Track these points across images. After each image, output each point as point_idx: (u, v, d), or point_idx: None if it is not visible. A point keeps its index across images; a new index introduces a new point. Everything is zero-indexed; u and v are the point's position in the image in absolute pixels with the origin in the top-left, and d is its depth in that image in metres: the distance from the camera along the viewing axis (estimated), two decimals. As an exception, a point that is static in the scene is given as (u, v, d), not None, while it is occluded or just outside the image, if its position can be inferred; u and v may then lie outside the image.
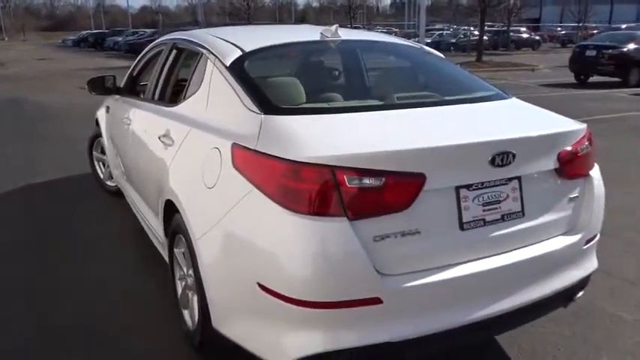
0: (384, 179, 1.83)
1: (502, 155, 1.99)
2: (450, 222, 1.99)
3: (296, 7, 66.63)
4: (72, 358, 2.59)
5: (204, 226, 2.20)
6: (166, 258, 2.98)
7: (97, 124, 4.92)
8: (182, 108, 2.78)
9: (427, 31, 36.70)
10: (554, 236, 2.26)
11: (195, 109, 2.60)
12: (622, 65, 14.43)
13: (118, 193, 4.71)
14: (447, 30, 37.00)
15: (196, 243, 2.25)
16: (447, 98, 2.51)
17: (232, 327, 2.15)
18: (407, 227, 1.90)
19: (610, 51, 14.63)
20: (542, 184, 2.21)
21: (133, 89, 4.12)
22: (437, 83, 2.84)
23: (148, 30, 36.89)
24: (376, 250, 1.85)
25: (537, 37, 38.55)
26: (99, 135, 4.91)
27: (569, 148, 2.23)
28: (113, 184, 4.84)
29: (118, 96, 4.19)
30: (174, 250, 2.70)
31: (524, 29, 38.84)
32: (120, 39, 36.14)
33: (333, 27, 2.84)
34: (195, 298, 2.46)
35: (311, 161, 1.81)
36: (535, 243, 2.18)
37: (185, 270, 2.59)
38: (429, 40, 31.81)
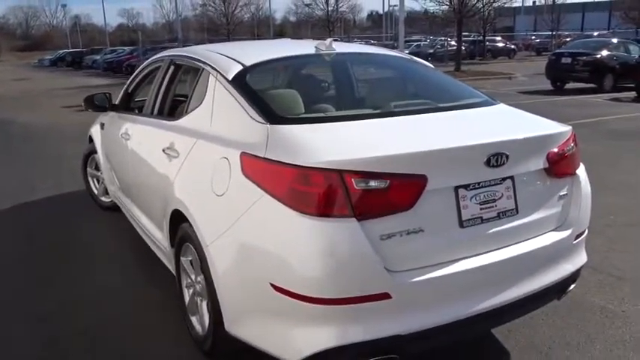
0: (388, 181, 1.95)
1: (497, 156, 2.13)
2: (450, 220, 2.12)
3: (274, 21, 67.04)
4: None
5: (215, 233, 2.29)
6: (171, 268, 3.06)
7: (91, 140, 4.97)
8: (186, 121, 2.87)
9: (405, 42, 37.30)
10: (546, 232, 2.40)
11: (200, 122, 2.70)
12: (596, 71, 14.89)
13: (112, 209, 4.77)
14: (425, 41, 37.58)
15: (207, 249, 2.34)
16: (440, 105, 2.65)
17: (245, 328, 2.24)
18: (411, 226, 2.02)
19: (584, 58, 15.10)
20: (534, 183, 2.35)
21: (129, 105, 4.19)
22: (430, 91, 2.99)
23: (126, 48, 36.84)
24: (383, 248, 1.97)
25: (513, 46, 39.37)
26: (93, 151, 4.96)
27: (556, 149, 2.38)
28: (108, 200, 4.89)
29: (113, 112, 4.26)
30: (181, 258, 2.78)
31: (499, 38, 39.63)
32: (98, 57, 36.03)
33: (328, 41, 2.97)
34: (205, 304, 2.55)
35: (320, 166, 1.93)
36: (529, 239, 2.32)
37: (193, 277, 2.67)
38: (407, 51, 32.30)
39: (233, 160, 2.25)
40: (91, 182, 5.17)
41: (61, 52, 47.87)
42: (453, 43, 26.75)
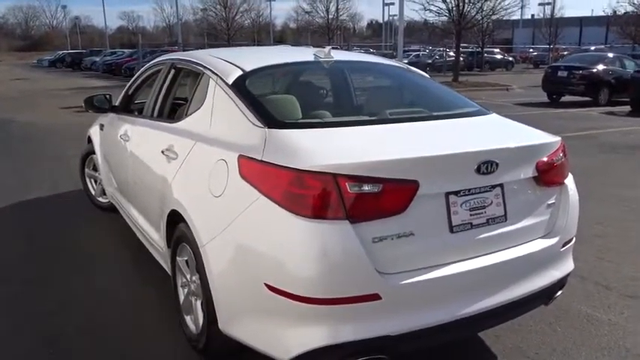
0: (381, 185, 2.01)
1: (487, 164, 2.20)
2: (441, 225, 2.18)
3: (274, 27, 67.33)
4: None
5: (211, 233, 2.35)
6: (166, 267, 3.11)
7: (90, 141, 5.02)
8: (185, 124, 2.93)
9: (404, 52, 37.53)
10: (534, 239, 2.46)
11: (199, 125, 2.76)
12: (592, 85, 15.04)
13: (109, 209, 4.81)
14: (424, 51, 37.83)
15: (203, 249, 2.39)
16: (435, 113, 2.73)
17: (239, 327, 2.29)
18: (402, 230, 2.08)
19: (581, 72, 15.25)
20: (523, 191, 2.42)
21: (129, 107, 4.25)
22: (425, 100, 3.06)
23: (126, 50, 36.94)
24: (375, 250, 2.03)
25: (510, 58, 39.71)
26: (91, 152, 5.01)
27: (545, 159, 2.45)
28: (105, 200, 4.93)
29: (112, 114, 4.32)
30: (177, 258, 2.83)
31: (497, 50, 39.94)
32: (97, 59, 36.09)
33: (327, 48, 3.04)
34: (199, 304, 2.60)
35: (315, 169, 1.99)
36: (517, 245, 2.39)
37: (188, 277, 2.72)
38: (405, 61, 32.50)
39: (231, 163, 2.31)
40: (89, 183, 5.22)
41: (61, 52, 47.91)
42: (452, 53, 26.95)
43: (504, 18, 27.13)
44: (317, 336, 2.03)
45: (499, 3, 22.73)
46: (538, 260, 2.45)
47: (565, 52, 35.39)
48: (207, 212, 2.43)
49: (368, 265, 2.00)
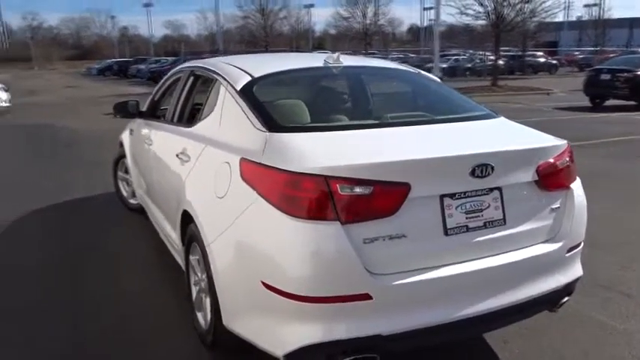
0: (372, 188, 2.06)
1: (481, 167, 2.21)
2: (434, 227, 2.21)
3: (314, 34, 67.82)
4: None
5: (215, 232, 2.45)
6: (183, 267, 3.23)
7: (121, 145, 5.24)
8: (198, 128, 3.06)
9: (443, 56, 37.09)
10: (536, 243, 2.45)
11: (210, 129, 2.88)
12: (637, 88, 14.49)
13: (140, 211, 5.00)
14: (463, 55, 37.34)
15: (209, 247, 2.50)
16: (437, 117, 2.75)
17: (240, 323, 2.38)
18: (394, 231, 2.12)
19: (625, 74, 14.70)
20: (523, 195, 2.41)
21: (154, 113, 4.43)
22: (430, 104, 3.09)
23: (169, 58, 37.96)
24: (366, 251, 2.07)
25: (554, 61, 38.69)
26: (123, 156, 5.23)
27: (547, 162, 2.43)
28: (136, 202, 5.13)
29: (140, 119, 4.50)
30: (190, 257, 2.94)
31: (540, 53, 39.01)
32: (143, 67, 37.15)
33: (336, 54, 3.10)
34: (208, 300, 2.70)
35: (308, 172, 2.06)
36: (516, 249, 2.38)
37: (199, 275, 2.83)
38: (444, 66, 32.14)
39: (234, 165, 2.40)
40: (121, 185, 5.44)
41: (109, 61, 49.58)
42: (493, 57, 26.49)
43: (546, 20, 26.44)
44: (309, 333, 2.09)
45: (540, 5, 22.19)
46: (540, 265, 2.43)
47: (612, 55, 34.23)
48: (213, 213, 2.53)
49: (358, 266, 2.05)
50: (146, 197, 4.39)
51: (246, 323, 2.34)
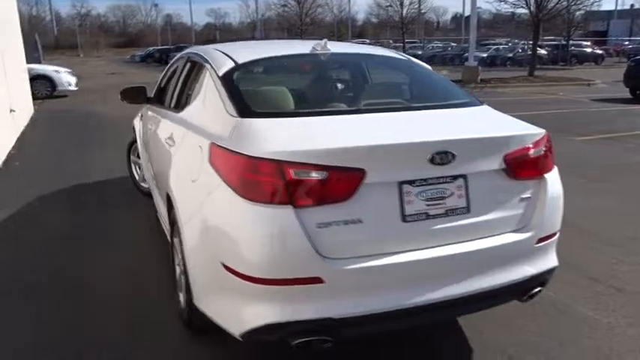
0: (326, 173, 2.08)
1: (441, 154, 2.20)
2: (392, 214, 2.21)
3: (354, 22, 67.34)
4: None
5: (188, 215, 2.53)
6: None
7: (134, 130, 5.40)
8: (184, 114, 3.14)
9: (483, 45, 36.21)
10: (503, 233, 2.42)
11: (192, 114, 2.95)
12: (681, 80, 13.85)
13: (149, 195, 5.16)
14: (505, 44, 36.39)
15: (182, 229, 2.58)
16: (414, 105, 2.74)
17: (205, 303, 2.46)
18: (349, 216, 2.14)
19: (668, 65, 14.08)
20: (490, 183, 2.39)
21: (160, 99, 4.54)
22: (412, 91, 3.07)
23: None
24: (320, 235, 2.11)
25: (600, 52, 37.17)
26: (135, 141, 5.39)
27: (516, 151, 2.40)
28: (146, 186, 5.29)
29: (148, 105, 4.63)
30: (174, 239, 3.04)
31: (587, 43, 37.57)
32: (182, 54, 37.77)
33: (323, 41, 3.12)
34: (183, 280, 2.79)
35: (264, 156, 2.10)
36: (481, 238, 2.36)
37: (180, 256, 2.92)
38: (484, 55, 31.43)
39: (204, 149, 2.47)
40: (133, 169, 5.62)
41: (151, 48, 50.69)
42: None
43: (591, 9, 25.43)
44: (263, 314, 2.15)
45: (583, -8, 21.36)
46: (506, 255, 2.41)
47: (664, 44, 32.65)
48: (186, 196, 2.62)
49: (310, 250, 2.08)
50: (150, 180, 4.54)
51: (210, 303, 2.42)
